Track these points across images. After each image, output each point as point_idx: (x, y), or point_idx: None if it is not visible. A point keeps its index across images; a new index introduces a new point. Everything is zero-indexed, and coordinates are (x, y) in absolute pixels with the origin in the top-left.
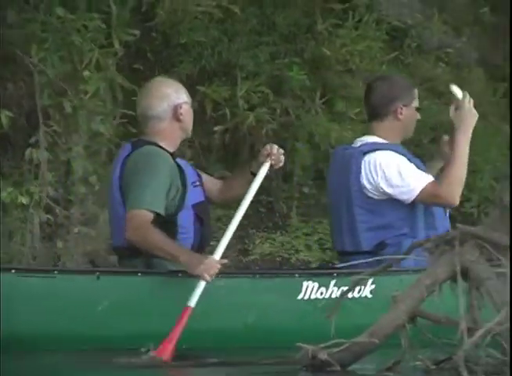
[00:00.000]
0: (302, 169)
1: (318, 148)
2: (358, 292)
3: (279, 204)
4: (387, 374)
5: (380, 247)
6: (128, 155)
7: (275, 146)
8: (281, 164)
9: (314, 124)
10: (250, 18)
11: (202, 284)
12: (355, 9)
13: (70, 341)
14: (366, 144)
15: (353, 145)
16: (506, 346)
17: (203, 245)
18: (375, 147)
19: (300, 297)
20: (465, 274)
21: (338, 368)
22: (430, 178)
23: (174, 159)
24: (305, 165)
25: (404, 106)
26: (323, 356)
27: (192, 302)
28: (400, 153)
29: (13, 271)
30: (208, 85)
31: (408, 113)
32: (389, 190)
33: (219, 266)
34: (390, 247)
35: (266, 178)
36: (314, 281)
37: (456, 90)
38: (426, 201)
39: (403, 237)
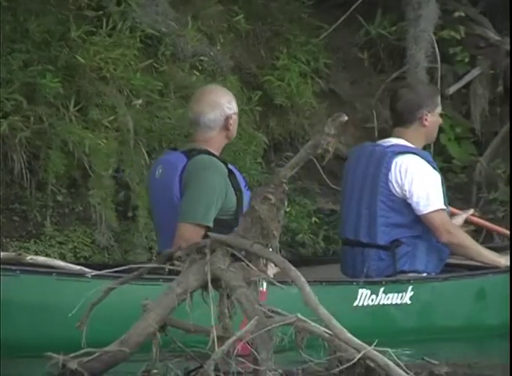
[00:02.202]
0: (56, 178)
1: (72, 156)
2: (401, 299)
3: (33, 212)
4: None
5: (395, 244)
6: (185, 165)
7: None
8: None
9: (68, 132)
10: (3, 25)
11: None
12: (109, 16)
13: None
14: (397, 145)
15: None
16: (257, 355)
17: None
18: (407, 150)
19: (355, 303)
20: (217, 282)
21: None
22: (441, 205)
23: (226, 165)
24: (59, 174)
25: (429, 112)
26: (73, 365)
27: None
28: (427, 161)
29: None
30: None
31: (432, 119)
32: (408, 195)
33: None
34: (405, 246)
35: (21, 187)
36: (367, 289)
37: None
38: (427, 223)
39: (418, 239)
